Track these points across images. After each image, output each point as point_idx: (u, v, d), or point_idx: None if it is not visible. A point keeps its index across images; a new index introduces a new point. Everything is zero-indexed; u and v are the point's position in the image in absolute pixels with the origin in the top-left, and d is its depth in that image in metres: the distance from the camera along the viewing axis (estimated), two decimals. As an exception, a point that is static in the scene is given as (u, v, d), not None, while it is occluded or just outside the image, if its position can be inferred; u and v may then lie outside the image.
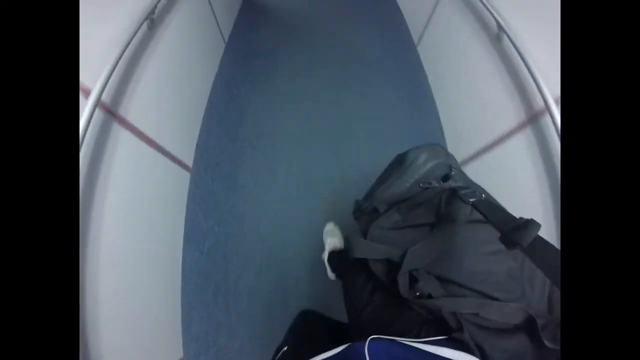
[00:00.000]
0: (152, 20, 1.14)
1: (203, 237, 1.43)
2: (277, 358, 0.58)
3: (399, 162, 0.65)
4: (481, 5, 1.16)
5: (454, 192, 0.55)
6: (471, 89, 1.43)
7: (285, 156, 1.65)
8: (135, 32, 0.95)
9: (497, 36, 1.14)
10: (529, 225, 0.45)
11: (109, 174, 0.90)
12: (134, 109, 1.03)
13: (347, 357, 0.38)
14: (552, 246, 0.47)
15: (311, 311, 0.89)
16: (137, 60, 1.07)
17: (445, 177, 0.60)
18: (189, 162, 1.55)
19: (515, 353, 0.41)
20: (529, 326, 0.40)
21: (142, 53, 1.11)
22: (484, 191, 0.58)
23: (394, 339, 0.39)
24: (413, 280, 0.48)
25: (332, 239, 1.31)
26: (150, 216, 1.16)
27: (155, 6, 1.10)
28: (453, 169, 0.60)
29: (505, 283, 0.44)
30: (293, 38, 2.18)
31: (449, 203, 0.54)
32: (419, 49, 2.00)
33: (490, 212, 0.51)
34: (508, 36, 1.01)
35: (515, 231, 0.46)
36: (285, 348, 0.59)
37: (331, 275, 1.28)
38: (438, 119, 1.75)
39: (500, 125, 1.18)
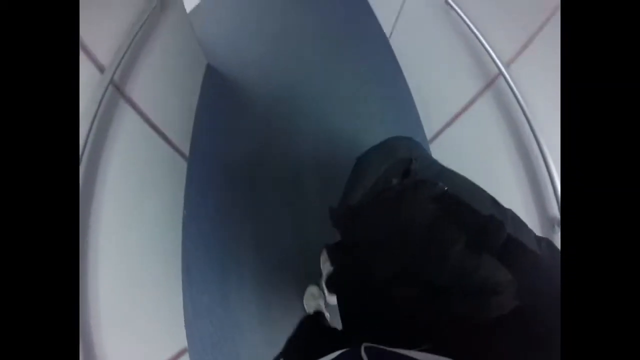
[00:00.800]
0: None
1: None
2: None
3: (355, 170, 0.69)
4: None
5: (415, 187, 0.52)
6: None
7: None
8: None
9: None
10: (492, 228, 0.42)
11: None
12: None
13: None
14: (529, 250, 0.41)
15: (311, 320, 0.91)
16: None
17: (406, 173, 0.56)
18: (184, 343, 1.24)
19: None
20: (518, 317, 0.36)
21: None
22: (453, 179, 0.55)
23: (387, 349, 0.37)
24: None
25: (313, 303, 1.29)
26: None
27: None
28: (414, 162, 0.57)
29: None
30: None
31: (412, 199, 0.51)
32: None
33: (453, 209, 0.47)
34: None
35: (480, 234, 0.43)
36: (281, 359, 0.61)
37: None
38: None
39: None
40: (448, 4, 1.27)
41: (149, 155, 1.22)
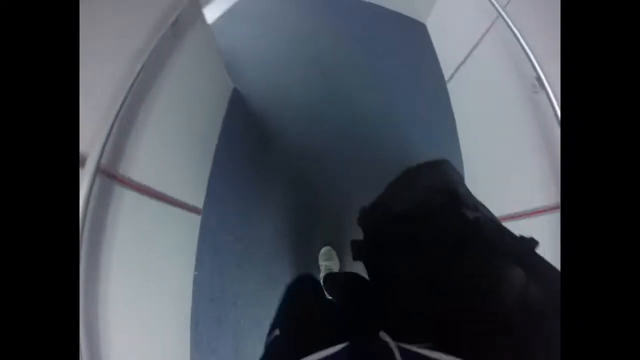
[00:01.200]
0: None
1: None
2: (269, 343, 0.56)
3: (403, 178, 0.66)
4: None
5: (458, 206, 0.52)
6: None
7: None
8: None
9: None
10: (515, 242, 0.44)
11: None
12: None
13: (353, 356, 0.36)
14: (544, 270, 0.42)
15: (303, 283, 0.85)
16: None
17: (452, 194, 0.55)
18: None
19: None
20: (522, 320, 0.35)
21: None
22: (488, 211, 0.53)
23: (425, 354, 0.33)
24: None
25: (329, 263, 1.32)
26: None
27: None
28: (462, 186, 0.57)
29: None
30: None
31: (449, 217, 0.52)
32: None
33: (486, 230, 0.47)
34: None
35: (501, 244, 0.44)
36: (277, 332, 0.56)
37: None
38: None
39: None
40: (540, 81, 1.00)
41: (154, 222, 1.04)
